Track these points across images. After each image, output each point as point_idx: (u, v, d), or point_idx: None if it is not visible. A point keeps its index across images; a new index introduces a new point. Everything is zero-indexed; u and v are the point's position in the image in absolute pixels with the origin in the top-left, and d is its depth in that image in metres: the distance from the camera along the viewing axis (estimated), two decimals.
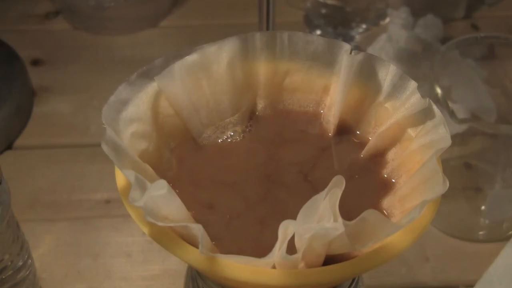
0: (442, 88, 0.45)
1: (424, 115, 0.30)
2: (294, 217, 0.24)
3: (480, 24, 0.68)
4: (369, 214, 0.24)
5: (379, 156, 0.32)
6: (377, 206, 0.29)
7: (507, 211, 0.49)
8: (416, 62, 0.60)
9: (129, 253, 0.48)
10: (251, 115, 0.34)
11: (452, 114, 0.43)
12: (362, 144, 0.32)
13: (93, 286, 0.46)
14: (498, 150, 0.47)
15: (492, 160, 0.48)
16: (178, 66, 0.31)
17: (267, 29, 0.53)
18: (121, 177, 0.28)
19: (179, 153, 0.32)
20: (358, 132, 0.33)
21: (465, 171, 0.50)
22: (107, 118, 0.28)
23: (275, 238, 0.24)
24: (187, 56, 0.31)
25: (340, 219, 0.24)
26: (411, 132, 0.30)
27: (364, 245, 0.25)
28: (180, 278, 0.46)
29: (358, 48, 0.64)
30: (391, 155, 0.31)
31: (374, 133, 0.32)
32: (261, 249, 0.27)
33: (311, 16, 0.68)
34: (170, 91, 0.31)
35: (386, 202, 0.30)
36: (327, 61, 0.32)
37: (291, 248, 0.25)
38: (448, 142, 0.28)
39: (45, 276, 0.46)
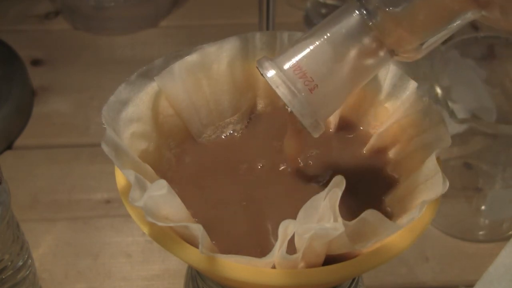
0: (442, 88, 0.45)
1: (424, 115, 0.30)
2: (295, 215, 0.24)
3: (480, 24, 0.68)
4: (369, 214, 0.24)
5: (379, 156, 0.32)
6: (377, 206, 0.29)
7: (507, 211, 0.49)
8: (416, 62, 0.60)
9: (129, 253, 0.48)
10: (251, 115, 0.34)
11: (452, 114, 0.43)
12: (362, 144, 0.32)
13: (93, 286, 0.46)
14: (498, 150, 0.47)
15: (492, 160, 0.48)
16: (178, 66, 0.31)
17: (267, 29, 0.53)
18: (121, 177, 0.28)
19: (179, 153, 0.32)
20: (358, 132, 0.33)
21: (465, 171, 0.50)
22: (107, 118, 0.28)
23: (275, 237, 0.24)
24: (187, 56, 0.31)
25: (340, 219, 0.24)
26: (411, 132, 0.30)
27: (364, 245, 0.25)
28: (180, 278, 0.46)
29: None
30: (391, 155, 0.31)
31: (374, 133, 0.32)
32: (261, 249, 0.27)
33: (311, 16, 0.68)
34: (170, 91, 0.31)
35: (386, 202, 0.30)
36: None
37: (291, 248, 0.25)
38: (448, 142, 0.28)
39: (45, 276, 0.46)
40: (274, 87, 0.26)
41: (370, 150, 0.32)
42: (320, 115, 0.27)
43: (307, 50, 0.26)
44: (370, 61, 0.26)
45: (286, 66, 0.26)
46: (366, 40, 0.26)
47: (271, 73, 0.26)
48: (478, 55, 0.50)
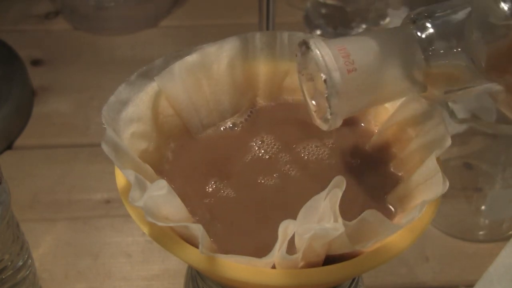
0: None
1: (424, 115, 0.30)
2: (295, 211, 0.24)
3: None
4: (369, 214, 0.24)
5: (379, 156, 0.32)
6: (377, 206, 0.29)
7: (507, 211, 0.49)
8: None
9: (129, 253, 0.48)
10: (252, 109, 0.34)
11: (452, 114, 0.43)
12: (362, 144, 0.32)
13: (93, 286, 0.46)
14: (498, 150, 0.47)
15: (492, 160, 0.48)
16: (178, 66, 0.31)
17: (267, 29, 0.53)
18: (121, 177, 0.28)
19: (179, 152, 0.32)
20: (358, 132, 0.33)
21: (465, 171, 0.50)
22: (107, 118, 0.28)
23: (275, 236, 0.24)
24: (187, 56, 0.31)
25: (340, 219, 0.24)
26: (411, 132, 0.30)
27: (364, 245, 0.25)
28: (180, 278, 0.46)
29: None
30: (391, 155, 0.31)
31: (375, 133, 0.32)
32: (261, 248, 0.27)
33: (311, 16, 0.68)
34: (170, 91, 0.31)
35: (386, 202, 0.30)
36: None
37: (291, 248, 0.25)
38: (448, 142, 0.28)
39: (45, 276, 0.46)
40: (316, 57, 0.26)
41: (370, 150, 0.32)
42: (343, 106, 0.27)
43: (356, 40, 0.27)
44: (403, 78, 0.27)
45: (332, 44, 0.27)
46: (410, 53, 0.27)
47: (316, 45, 0.26)
48: None
